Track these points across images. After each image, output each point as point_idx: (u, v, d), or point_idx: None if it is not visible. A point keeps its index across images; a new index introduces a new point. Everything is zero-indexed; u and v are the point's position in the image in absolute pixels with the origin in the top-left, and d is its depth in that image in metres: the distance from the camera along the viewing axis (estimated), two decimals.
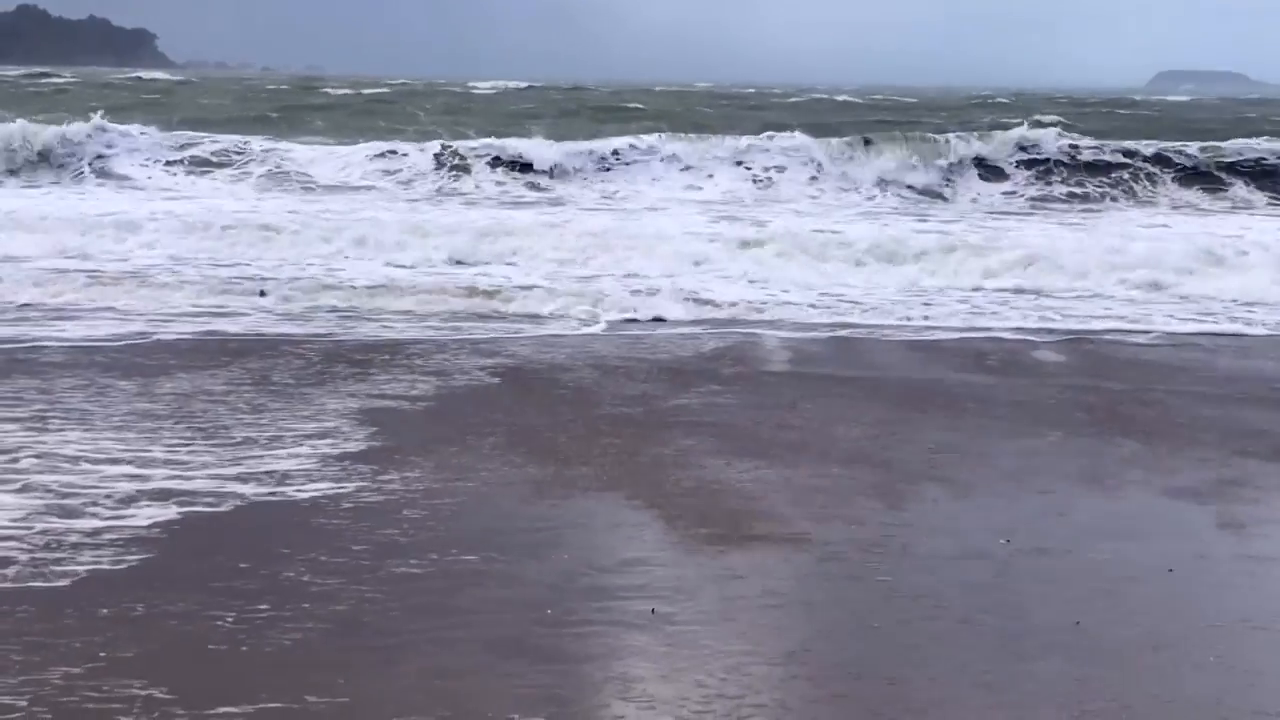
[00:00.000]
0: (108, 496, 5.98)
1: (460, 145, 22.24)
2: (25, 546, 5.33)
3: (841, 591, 5.23)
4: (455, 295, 11.76)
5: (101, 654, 4.37)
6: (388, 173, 21.21)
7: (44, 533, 5.49)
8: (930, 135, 23.83)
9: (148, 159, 21.60)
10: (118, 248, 13.76)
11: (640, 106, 36.93)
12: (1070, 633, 4.78)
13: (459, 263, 13.56)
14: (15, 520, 5.61)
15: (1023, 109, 36.42)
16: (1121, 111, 40.43)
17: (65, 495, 5.97)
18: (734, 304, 11.70)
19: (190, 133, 23.34)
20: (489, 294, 11.87)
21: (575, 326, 10.78)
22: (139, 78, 60.41)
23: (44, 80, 50.16)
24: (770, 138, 22.55)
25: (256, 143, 22.62)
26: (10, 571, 5.07)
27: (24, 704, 4.00)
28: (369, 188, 20.38)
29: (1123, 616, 4.98)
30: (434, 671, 4.33)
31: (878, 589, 5.21)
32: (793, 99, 46.50)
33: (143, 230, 14.57)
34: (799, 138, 22.38)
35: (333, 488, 6.21)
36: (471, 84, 54.74)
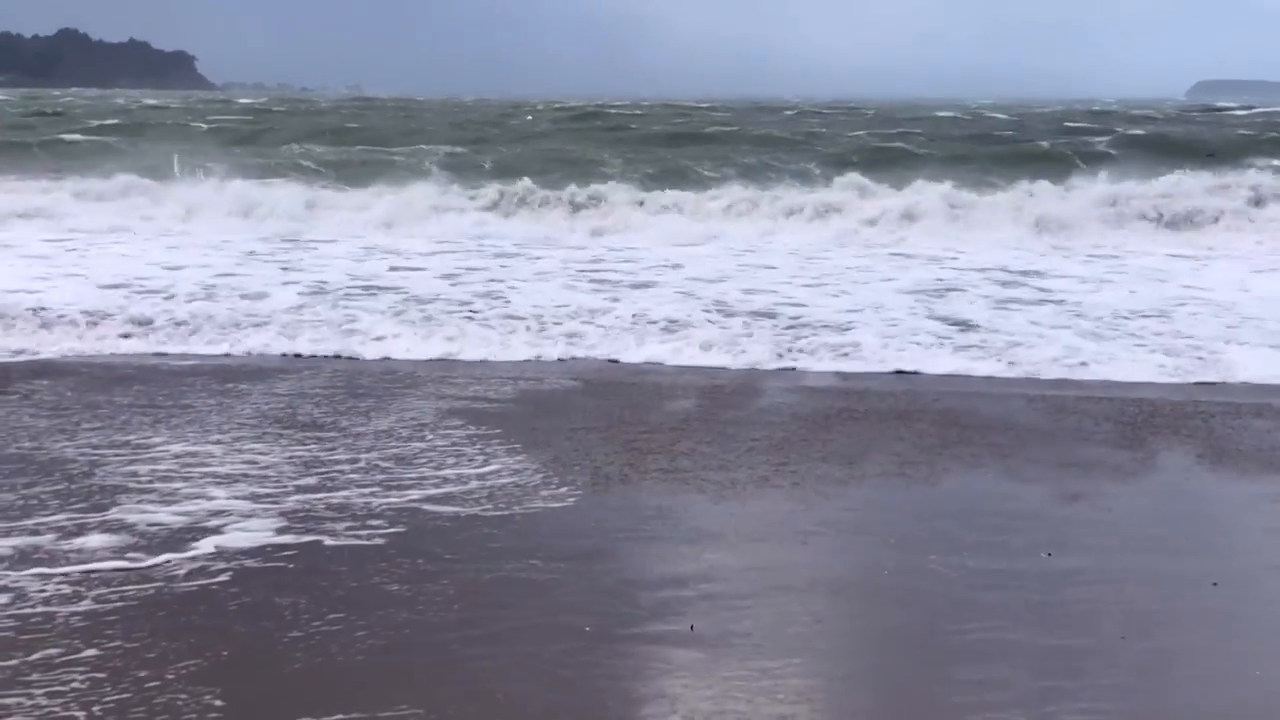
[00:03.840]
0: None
1: None
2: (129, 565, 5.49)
3: (885, 609, 5.24)
4: None
5: (185, 662, 4.51)
6: None
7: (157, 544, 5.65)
8: None
9: None
10: None
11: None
12: (1115, 646, 4.80)
13: None
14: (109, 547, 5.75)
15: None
16: None
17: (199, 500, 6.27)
18: None
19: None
20: None
21: None
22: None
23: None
24: None
25: None
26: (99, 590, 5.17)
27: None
28: None
29: (1167, 630, 5.00)
30: (493, 682, 4.41)
31: (923, 610, 5.21)
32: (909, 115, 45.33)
33: None
34: None
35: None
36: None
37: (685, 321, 11.17)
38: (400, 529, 5.97)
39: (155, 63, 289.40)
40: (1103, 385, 9.31)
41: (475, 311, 11.65)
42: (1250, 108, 61.09)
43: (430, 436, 7.62)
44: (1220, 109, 57.13)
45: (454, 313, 11.52)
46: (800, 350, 10.19)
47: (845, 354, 10.08)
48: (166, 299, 12.05)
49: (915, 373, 9.68)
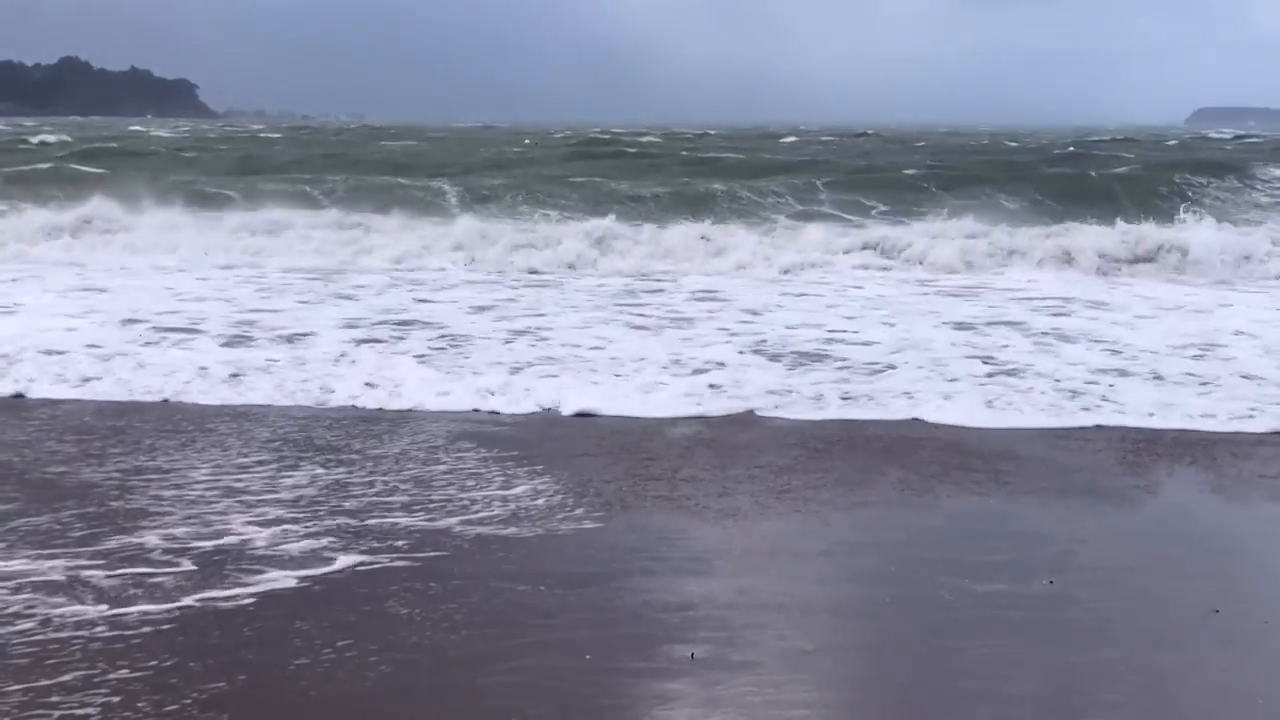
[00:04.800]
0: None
1: None
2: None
3: (887, 636, 5.25)
4: None
5: (204, 686, 4.53)
6: None
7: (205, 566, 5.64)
8: None
9: None
10: None
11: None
12: (1117, 671, 4.80)
13: None
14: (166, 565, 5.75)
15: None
16: None
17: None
18: None
19: None
20: None
21: None
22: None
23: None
24: None
25: None
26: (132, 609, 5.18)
27: None
28: None
29: (1168, 657, 5.01)
30: (496, 711, 4.44)
31: (925, 636, 5.21)
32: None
33: None
34: None
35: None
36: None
37: (728, 364, 10.55)
38: (412, 553, 6.00)
39: (156, 90, 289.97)
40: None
41: (516, 363, 10.55)
42: (1247, 135, 61.09)
43: (444, 461, 7.67)
44: (1244, 136, 57.09)
45: (499, 363, 10.50)
46: (845, 398, 9.47)
47: (903, 412, 9.09)
48: (197, 334, 11.61)
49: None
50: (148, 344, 11.30)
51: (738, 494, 7.09)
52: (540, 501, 6.86)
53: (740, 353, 11.21)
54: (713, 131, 69.29)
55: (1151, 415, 8.98)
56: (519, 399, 9.39)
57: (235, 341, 11.48)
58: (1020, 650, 5.00)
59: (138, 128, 68.59)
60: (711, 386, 9.74)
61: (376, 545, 6.11)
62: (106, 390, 9.64)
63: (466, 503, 6.83)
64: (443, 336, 11.85)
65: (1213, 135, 62.66)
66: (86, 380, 9.82)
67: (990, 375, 10.23)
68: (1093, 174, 27.63)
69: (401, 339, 11.72)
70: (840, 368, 10.56)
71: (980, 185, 25.91)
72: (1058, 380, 10.00)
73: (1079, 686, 4.67)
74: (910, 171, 29.30)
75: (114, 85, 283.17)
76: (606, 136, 51.05)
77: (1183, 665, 4.95)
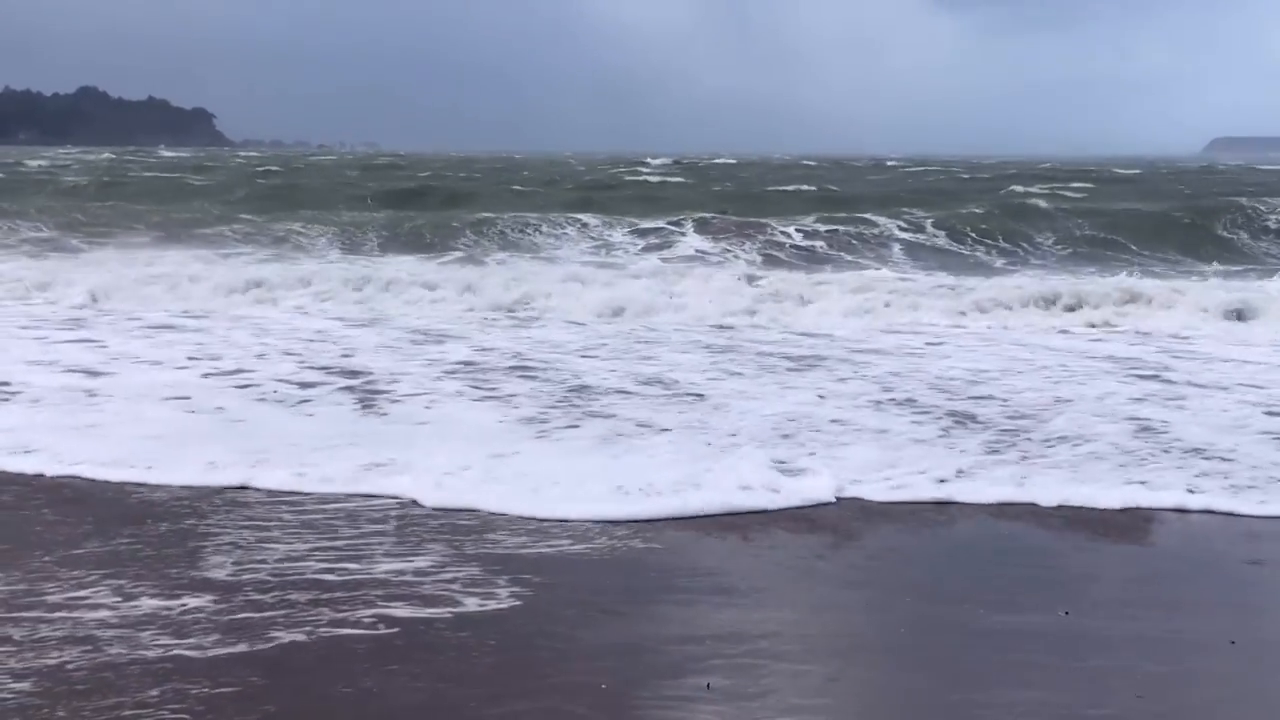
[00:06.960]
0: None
1: None
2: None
3: (902, 667, 5.23)
4: None
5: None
6: None
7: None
8: None
9: None
10: None
11: None
12: (1132, 705, 4.78)
13: None
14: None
15: None
16: None
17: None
18: None
19: None
20: None
21: None
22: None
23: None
24: None
25: None
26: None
27: None
28: None
29: (1185, 689, 5.00)
30: None
31: (934, 666, 5.19)
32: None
33: None
34: None
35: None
36: None
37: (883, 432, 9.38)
38: (448, 578, 6.05)
39: (174, 120, 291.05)
40: None
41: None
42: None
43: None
44: None
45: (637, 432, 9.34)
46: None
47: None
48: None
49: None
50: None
51: (753, 525, 7.13)
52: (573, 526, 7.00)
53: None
54: (726, 159, 69.04)
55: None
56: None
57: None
58: (1034, 682, 5.01)
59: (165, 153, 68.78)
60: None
61: (420, 577, 6.17)
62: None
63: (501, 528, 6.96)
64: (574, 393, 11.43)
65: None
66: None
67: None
68: None
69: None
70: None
71: None
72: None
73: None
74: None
75: (132, 114, 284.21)
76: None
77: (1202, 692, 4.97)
